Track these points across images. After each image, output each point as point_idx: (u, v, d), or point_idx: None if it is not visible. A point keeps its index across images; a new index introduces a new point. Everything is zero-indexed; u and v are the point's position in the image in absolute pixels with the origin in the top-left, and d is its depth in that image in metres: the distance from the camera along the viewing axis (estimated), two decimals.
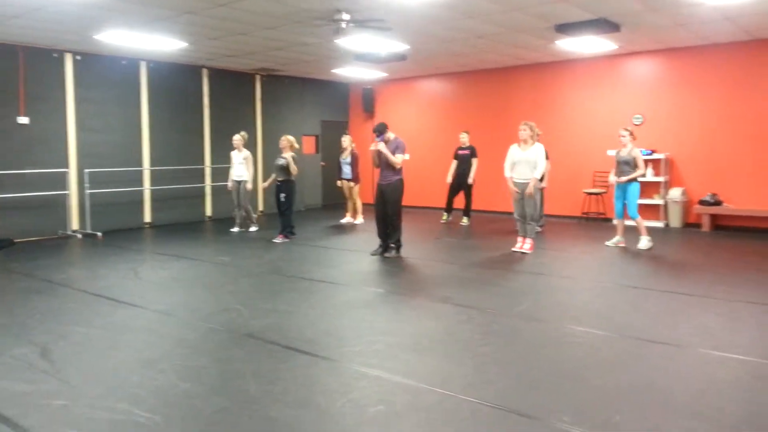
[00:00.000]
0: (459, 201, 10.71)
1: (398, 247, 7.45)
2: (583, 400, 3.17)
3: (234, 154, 9.67)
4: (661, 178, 10.06)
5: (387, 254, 7.36)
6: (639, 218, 7.82)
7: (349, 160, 10.49)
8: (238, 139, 9.64)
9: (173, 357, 3.89)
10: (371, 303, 5.33)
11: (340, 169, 10.71)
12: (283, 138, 8.87)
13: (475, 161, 10.36)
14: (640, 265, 6.91)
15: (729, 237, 8.93)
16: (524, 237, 7.62)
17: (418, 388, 3.33)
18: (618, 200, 7.96)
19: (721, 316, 4.73)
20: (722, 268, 6.66)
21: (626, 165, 7.75)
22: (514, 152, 7.54)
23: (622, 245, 7.98)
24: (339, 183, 10.80)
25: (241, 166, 9.57)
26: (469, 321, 4.65)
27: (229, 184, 9.76)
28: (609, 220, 10.64)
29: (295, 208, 9.09)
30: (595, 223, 10.62)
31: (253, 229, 9.75)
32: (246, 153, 9.63)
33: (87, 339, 4.31)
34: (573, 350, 4.00)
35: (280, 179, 8.72)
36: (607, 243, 8.13)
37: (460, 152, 10.51)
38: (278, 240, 8.64)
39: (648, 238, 7.79)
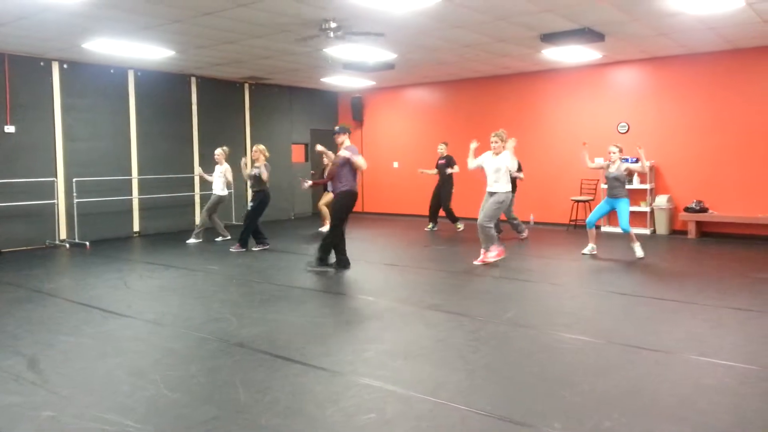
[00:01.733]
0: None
1: (319, 259, 7.12)
2: (572, 406, 3.20)
3: (217, 166, 9.57)
4: (647, 186, 10.18)
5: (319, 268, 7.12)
6: (631, 231, 7.67)
7: None
8: (220, 153, 9.55)
9: (163, 366, 3.87)
10: (361, 311, 5.34)
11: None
12: (254, 148, 8.78)
13: (452, 169, 10.39)
14: (627, 272, 6.97)
15: (715, 244, 9.04)
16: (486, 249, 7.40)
17: (409, 396, 3.34)
18: (597, 213, 7.91)
19: (708, 323, 4.78)
20: (708, 274, 6.74)
21: (616, 181, 7.69)
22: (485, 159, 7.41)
23: (595, 252, 8.03)
24: (325, 201, 10.66)
25: (218, 180, 9.47)
26: (459, 328, 4.67)
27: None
28: (598, 227, 10.71)
29: (284, 217, 9.05)
30: (583, 230, 10.68)
31: (192, 241, 9.56)
32: (225, 167, 9.49)
33: (76, 349, 4.28)
34: (562, 356, 4.03)
35: (254, 189, 8.70)
36: (583, 251, 8.11)
37: (440, 162, 10.58)
38: (234, 249, 8.60)
39: (639, 245, 7.75)
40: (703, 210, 9.65)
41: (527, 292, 6.00)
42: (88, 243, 9.41)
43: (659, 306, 5.34)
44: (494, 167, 7.25)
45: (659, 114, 10.17)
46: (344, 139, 7.16)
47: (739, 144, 9.45)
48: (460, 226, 10.58)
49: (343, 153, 7.05)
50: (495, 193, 7.28)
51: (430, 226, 10.82)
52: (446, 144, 10.68)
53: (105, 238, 10.04)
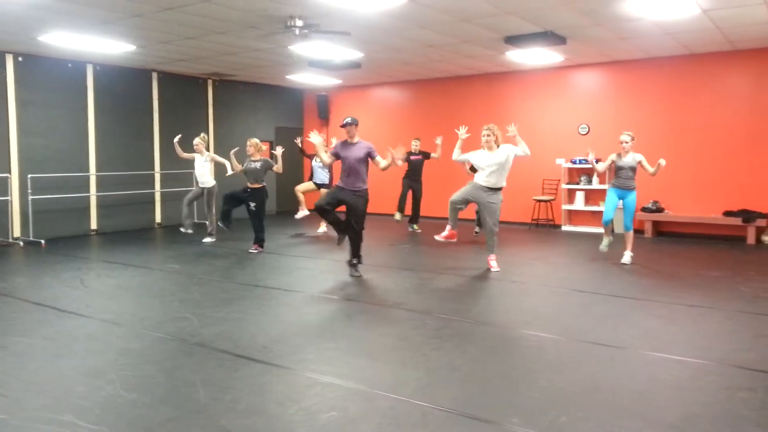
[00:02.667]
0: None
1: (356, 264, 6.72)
2: (532, 402, 3.26)
3: (197, 157, 9.16)
4: (605, 186, 10.40)
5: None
6: (631, 231, 7.41)
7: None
8: (199, 142, 9.13)
9: (120, 367, 3.80)
10: (325, 310, 5.33)
11: (312, 174, 10.38)
12: (250, 142, 8.42)
13: (435, 154, 10.34)
14: (586, 270, 7.13)
15: (670, 243, 9.31)
16: (491, 253, 7.02)
17: (372, 394, 3.35)
18: (610, 207, 7.39)
19: (662, 319, 4.93)
20: (663, 272, 6.94)
21: (631, 171, 7.29)
22: (484, 156, 6.94)
23: (609, 245, 7.66)
24: (303, 188, 10.49)
25: (204, 169, 9.09)
26: (423, 326, 4.70)
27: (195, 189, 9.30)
28: (558, 226, 10.95)
29: (247, 215, 8.86)
30: (545, 229, 10.89)
31: (207, 240, 9.23)
32: (209, 154, 9.15)
33: (29, 349, 4.16)
34: (522, 353, 4.10)
35: (251, 186, 8.32)
36: (600, 248, 7.68)
37: (412, 158, 10.57)
38: (254, 250, 8.26)
39: (632, 254, 7.41)
40: (659, 210, 9.93)
41: (490, 290, 6.08)
42: (43, 241, 9.14)
43: (616, 303, 5.48)
44: (496, 162, 6.87)
45: (619, 116, 10.42)
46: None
47: (695, 146, 9.75)
48: (418, 228, 10.61)
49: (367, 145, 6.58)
50: (497, 189, 6.98)
51: (399, 216, 10.79)
52: (419, 140, 10.69)
53: (61, 236, 9.77)
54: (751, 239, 9.09)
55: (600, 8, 6.78)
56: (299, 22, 7.08)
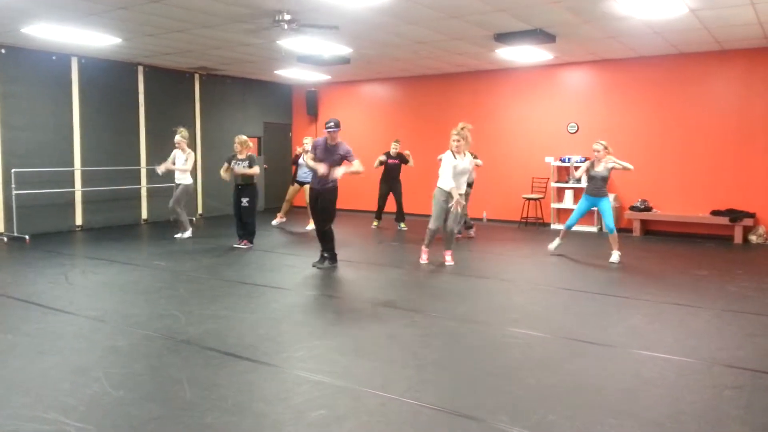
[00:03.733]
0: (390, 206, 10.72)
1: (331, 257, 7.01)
2: (520, 400, 3.26)
3: (178, 153, 9.05)
4: None
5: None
6: (615, 232, 7.48)
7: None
8: (179, 138, 9.01)
9: (106, 364, 3.74)
10: (313, 307, 5.30)
11: (296, 172, 10.39)
12: (237, 139, 8.32)
13: (410, 162, 10.41)
14: (574, 269, 7.15)
15: (658, 241, 9.37)
16: (447, 249, 7.20)
17: (360, 392, 3.33)
18: (578, 214, 7.72)
19: (649, 317, 4.95)
20: (651, 271, 6.98)
21: (602, 180, 7.42)
22: (454, 161, 6.86)
23: (560, 244, 7.97)
24: (290, 195, 10.52)
25: (184, 167, 8.96)
26: (411, 324, 4.69)
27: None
28: (547, 224, 10.99)
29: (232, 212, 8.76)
30: (534, 227, 10.92)
31: (182, 235, 9.08)
32: (190, 152, 9.04)
33: (13, 346, 4.09)
34: (511, 351, 4.10)
35: (240, 183, 8.24)
36: (550, 247, 7.99)
37: (390, 161, 10.54)
38: (242, 245, 8.24)
39: (619, 253, 7.46)
40: (648, 209, 9.99)
41: (479, 289, 6.08)
42: (27, 237, 9.02)
43: (604, 301, 5.50)
44: (463, 168, 6.89)
45: (607, 115, 10.47)
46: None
47: (682, 146, 9.82)
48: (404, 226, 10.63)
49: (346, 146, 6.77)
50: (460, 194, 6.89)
51: (376, 222, 10.81)
52: (399, 142, 10.66)
53: (46, 232, 9.64)
54: (738, 238, 9.17)
55: (589, 6, 6.79)
56: (287, 17, 7.02)
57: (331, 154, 6.68)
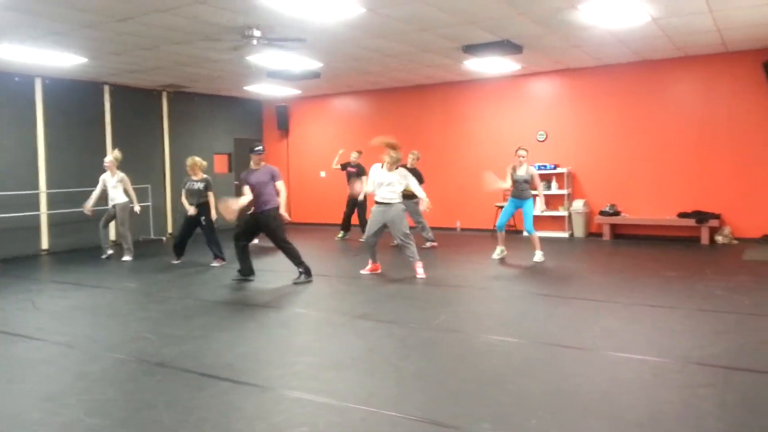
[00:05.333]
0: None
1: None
2: (501, 407, 3.26)
3: (107, 177, 8.94)
4: (564, 191, 10.61)
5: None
6: (534, 233, 8.04)
7: None
8: (110, 160, 8.92)
9: (78, 391, 3.64)
10: (290, 323, 5.25)
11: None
12: (190, 161, 8.26)
13: (364, 179, 10.45)
14: (548, 274, 7.23)
15: (627, 245, 9.54)
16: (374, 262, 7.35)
17: (341, 407, 3.30)
18: (505, 215, 8.22)
19: (624, 320, 5.02)
20: (622, 274, 7.09)
21: (525, 183, 8.01)
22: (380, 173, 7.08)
23: (505, 254, 8.31)
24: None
25: (116, 190, 8.89)
26: (389, 336, 4.67)
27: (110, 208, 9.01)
28: (519, 232, 11.09)
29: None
30: (507, 235, 10.99)
31: (126, 258, 8.92)
32: (121, 175, 8.93)
33: None
34: (489, 359, 4.11)
35: (196, 203, 8.17)
36: (493, 256, 8.30)
37: (349, 169, 10.64)
38: (216, 264, 8.17)
39: (542, 252, 7.95)
40: (617, 213, 10.17)
41: (455, 298, 6.09)
42: None
43: (579, 305, 5.56)
44: (390, 180, 7.04)
45: (575, 123, 10.65)
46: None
47: (649, 150, 10.04)
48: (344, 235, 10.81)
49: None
50: (391, 204, 7.03)
51: (341, 234, 10.84)
52: (360, 153, 10.70)
53: (10, 257, 9.38)
54: (705, 239, 9.38)
55: (555, 17, 6.93)
56: (257, 32, 7.01)
57: (257, 176, 6.86)
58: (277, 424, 3.11)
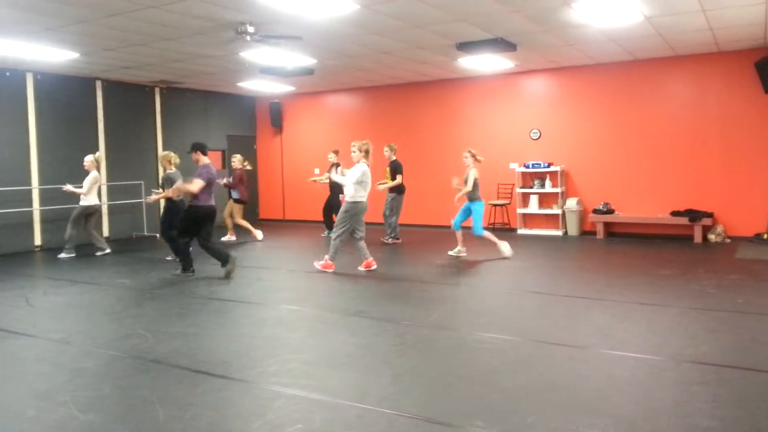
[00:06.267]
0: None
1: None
2: (495, 404, 3.28)
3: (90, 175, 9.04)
4: (558, 189, 10.65)
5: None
6: (484, 234, 8.15)
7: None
8: (91, 160, 9.03)
9: (72, 388, 3.63)
10: (284, 321, 5.24)
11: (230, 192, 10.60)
12: (160, 156, 8.48)
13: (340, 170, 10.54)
14: (542, 272, 7.26)
15: (621, 243, 9.58)
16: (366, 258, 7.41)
17: (336, 404, 3.31)
18: (461, 213, 8.36)
19: (617, 317, 5.05)
20: (615, 272, 7.13)
21: (472, 186, 8.14)
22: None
23: (464, 254, 8.36)
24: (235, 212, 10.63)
25: (92, 189, 8.98)
26: (384, 333, 4.68)
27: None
28: (513, 230, 11.13)
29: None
30: (501, 233, 11.02)
31: (103, 253, 9.15)
32: (94, 174, 9.02)
33: None
34: (483, 356, 4.13)
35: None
36: (450, 253, 8.43)
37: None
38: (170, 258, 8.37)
39: (504, 243, 8.19)
40: (610, 212, 10.21)
41: (449, 295, 6.11)
42: None
43: (572, 303, 5.59)
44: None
45: (569, 121, 10.69)
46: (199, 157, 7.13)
47: (642, 149, 10.09)
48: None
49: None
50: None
51: (327, 232, 10.89)
52: (337, 152, 10.74)
53: (3, 253, 9.32)
54: (698, 238, 9.44)
55: (549, 15, 6.95)
56: (250, 29, 6.98)
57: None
58: (272, 420, 3.11)
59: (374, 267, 7.37)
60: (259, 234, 10.57)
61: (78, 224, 9.03)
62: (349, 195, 7.20)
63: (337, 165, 10.17)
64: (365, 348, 4.34)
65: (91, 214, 9.11)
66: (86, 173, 9.08)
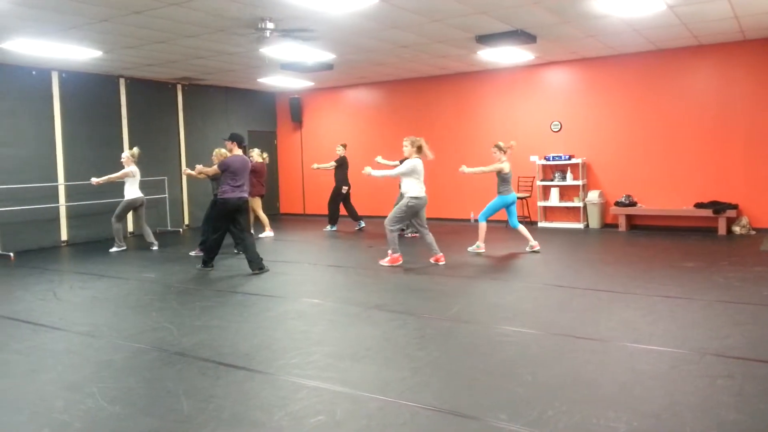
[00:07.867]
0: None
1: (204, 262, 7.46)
2: (518, 397, 3.28)
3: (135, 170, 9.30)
4: (579, 182, 10.55)
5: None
6: (483, 224, 8.21)
7: None
8: (127, 156, 9.25)
9: (100, 379, 3.71)
10: (306, 314, 5.29)
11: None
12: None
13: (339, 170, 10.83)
14: (564, 265, 7.21)
15: (643, 236, 9.47)
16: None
17: (358, 396, 3.33)
18: (508, 213, 8.39)
19: (640, 311, 5.00)
20: (639, 265, 7.05)
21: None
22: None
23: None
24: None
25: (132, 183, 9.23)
26: (404, 326, 4.70)
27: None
28: (534, 223, 11.06)
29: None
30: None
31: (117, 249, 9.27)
32: (126, 169, 9.22)
33: (4, 364, 4.04)
34: (505, 349, 4.12)
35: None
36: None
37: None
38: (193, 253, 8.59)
39: (480, 243, 8.20)
40: (632, 204, 10.09)
41: (469, 288, 6.10)
42: (12, 254, 8.91)
43: (594, 297, 5.55)
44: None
45: (590, 113, 10.57)
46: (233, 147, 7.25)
47: (664, 140, 9.94)
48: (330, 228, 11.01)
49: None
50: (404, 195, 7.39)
51: (329, 227, 11.01)
52: (345, 146, 10.89)
53: (31, 249, 9.53)
54: (722, 230, 9.29)
55: (569, 6, 6.87)
56: (270, 25, 7.02)
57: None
58: (295, 412, 3.15)
59: (443, 262, 7.36)
60: (270, 232, 10.66)
61: (122, 218, 9.32)
62: (412, 192, 7.18)
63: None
64: (386, 341, 4.36)
65: (136, 208, 9.32)
66: (117, 169, 9.34)
